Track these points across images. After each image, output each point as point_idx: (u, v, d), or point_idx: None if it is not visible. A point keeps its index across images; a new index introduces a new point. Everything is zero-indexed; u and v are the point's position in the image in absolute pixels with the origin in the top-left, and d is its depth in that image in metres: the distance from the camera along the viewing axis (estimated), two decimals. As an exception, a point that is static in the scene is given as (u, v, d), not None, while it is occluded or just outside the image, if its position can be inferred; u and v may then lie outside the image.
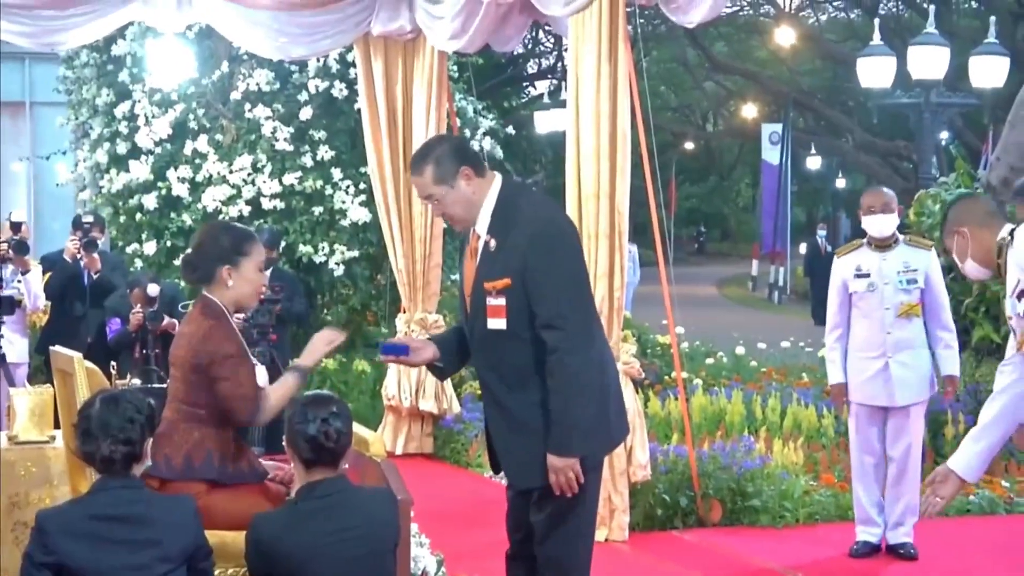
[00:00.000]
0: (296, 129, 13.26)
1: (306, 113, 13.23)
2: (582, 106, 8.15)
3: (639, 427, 8.08)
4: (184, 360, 5.21)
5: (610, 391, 5.19)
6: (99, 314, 10.59)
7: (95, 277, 10.95)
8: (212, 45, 13.25)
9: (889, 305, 7.68)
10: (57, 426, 6.41)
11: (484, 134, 14.67)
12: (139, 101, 13.43)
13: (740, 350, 14.30)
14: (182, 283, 10.48)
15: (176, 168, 13.29)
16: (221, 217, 12.71)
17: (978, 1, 34.39)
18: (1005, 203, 8.20)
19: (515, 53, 31.86)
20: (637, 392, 8.67)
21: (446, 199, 5.09)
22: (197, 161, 13.28)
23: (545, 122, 25.30)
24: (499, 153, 14.96)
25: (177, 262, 11.81)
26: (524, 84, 43.23)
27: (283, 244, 12.77)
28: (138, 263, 13.11)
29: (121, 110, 13.52)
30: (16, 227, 11.11)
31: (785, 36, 34.65)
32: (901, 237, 7.86)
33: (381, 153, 10.75)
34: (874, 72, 19.32)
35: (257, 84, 13.27)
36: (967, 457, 5.06)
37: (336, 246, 13.20)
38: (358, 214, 13.15)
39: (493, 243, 5.06)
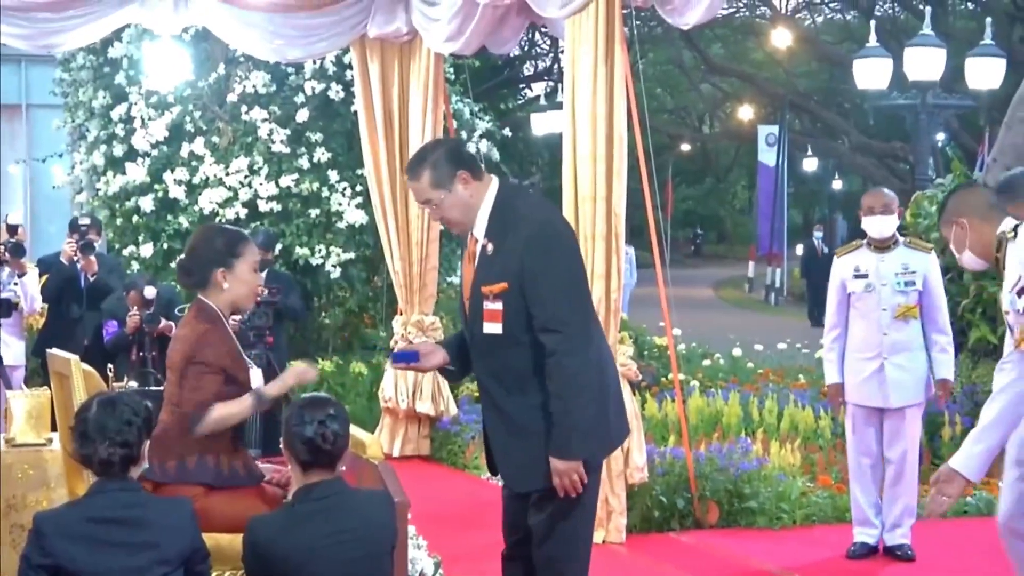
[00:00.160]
0: (292, 131, 13.26)
1: (302, 115, 13.23)
2: (579, 108, 8.15)
3: (636, 429, 8.08)
4: (178, 364, 5.22)
5: (609, 392, 5.18)
6: (96, 316, 10.59)
7: (92, 279, 10.95)
8: (208, 47, 13.25)
9: (886, 306, 7.68)
10: (54, 428, 6.41)
11: (481, 136, 14.68)
12: (135, 103, 13.43)
13: (737, 352, 14.30)
14: (178, 286, 10.49)
15: (173, 170, 13.29)
16: (218, 219, 12.71)
17: (974, 2, 34.43)
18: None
19: (511, 55, 31.86)
20: (634, 394, 8.67)
21: (443, 203, 5.08)
22: (194, 163, 13.28)
23: (541, 124, 25.29)
24: (495, 155, 14.97)
25: (174, 264, 11.80)
26: (520, 86, 43.22)
27: (280, 246, 12.77)
28: (135, 265, 13.10)
29: (117, 112, 13.52)
30: (13, 230, 11.12)
31: (781, 38, 34.65)
32: (901, 239, 7.86)
33: (378, 155, 10.75)
34: (870, 74, 19.35)
35: (253, 86, 13.27)
36: (969, 457, 5.05)
37: (333, 248, 13.20)
38: (355, 216, 13.15)
39: (490, 247, 5.05)
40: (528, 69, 41.68)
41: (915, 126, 20.09)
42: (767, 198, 36.69)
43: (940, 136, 26.66)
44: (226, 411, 5.19)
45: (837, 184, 50.66)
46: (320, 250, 13.15)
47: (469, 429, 10.58)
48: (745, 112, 44.39)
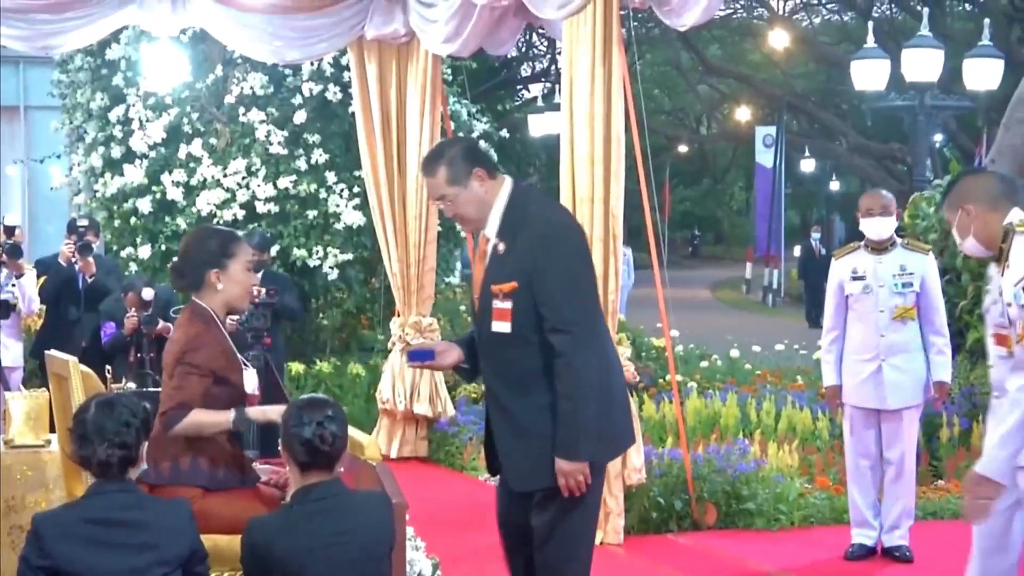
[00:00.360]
0: (290, 133, 13.26)
1: (300, 117, 13.22)
2: (576, 109, 8.16)
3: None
4: (171, 366, 5.23)
5: (615, 396, 5.20)
6: (94, 318, 10.58)
7: (90, 281, 10.95)
8: (206, 49, 13.24)
9: (884, 308, 7.68)
10: (52, 430, 6.41)
11: (478, 137, 14.68)
12: (133, 105, 13.42)
13: (734, 353, 14.29)
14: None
15: (170, 172, 13.27)
16: (216, 221, 12.70)
17: (972, 3, 34.45)
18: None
19: (509, 56, 31.85)
20: (632, 395, 8.67)
21: (458, 199, 5.12)
22: (191, 165, 13.28)
23: (539, 125, 25.33)
24: (493, 156, 14.96)
25: (171, 266, 11.78)
26: (518, 87, 43.23)
27: (277, 248, 12.77)
28: (133, 267, 13.09)
29: (115, 114, 13.51)
30: (10, 231, 11.11)
31: (778, 39, 34.67)
32: (899, 240, 7.85)
33: (375, 157, 10.75)
34: (868, 75, 19.36)
35: (251, 88, 13.27)
36: (996, 461, 4.99)
37: (330, 250, 13.19)
38: (352, 218, 13.15)
39: (502, 246, 5.08)
40: (526, 70, 41.71)
41: (913, 127, 20.12)
42: (765, 199, 36.69)
43: (938, 137, 26.72)
44: (204, 419, 5.19)
45: (835, 185, 50.67)
46: (318, 251, 13.15)
47: (467, 430, 10.59)
48: (742, 113, 44.42)
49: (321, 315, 14.40)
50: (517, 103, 42.39)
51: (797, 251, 31.07)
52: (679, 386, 10.07)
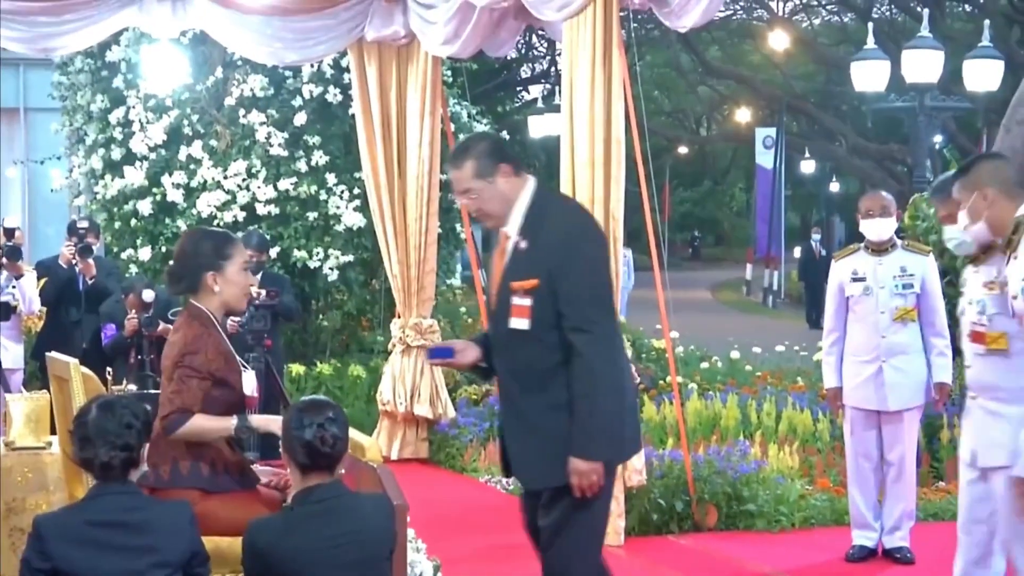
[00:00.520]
0: (290, 134, 13.25)
1: (300, 118, 13.22)
2: (576, 111, 8.16)
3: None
4: (170, 369, 5.23)
5: (627, 397, 5.22)
6: (94, 319, 10.58)
7: (90, 282, 10.95)
8: (206, 51, 13.23)
9: (884, 309, 7.67)
10: (53, 432, 6.41)
11: (479, 139, 14.64)
12: (134, 107, 13.41)
13: (735, 354, 14.28)
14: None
15: (171, 174, 13.27)
16: (216, 223, 12.69)
17: (972, 5, 34.45)
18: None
19: (509, 58, 31.88)
20: (632, 397, 8.66)
21: (483, 194, 5.13)
22: (192, 167, 13.27)
23: (539, 127, 25.33)
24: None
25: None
26: (518, 88, 43.26)
27: (278, 249, 12.77)
28: (133, 269, 13.08)
29: (116, 116, 13.51)
30: (10, 233, 11.11)
31: (778, 40, 34.68)
32: (899, 242, 7.85)
33: (375, 158, 10.76)
34: (868, 76, 19.35)
35: (251, 90, 13.26)
36: None
37: (331, 251, 13.19)
38: (352, 219, 13.14)
39: (524, 244, 5.09)
40: (525, 72, 41.76)
41: (913, 128, 20.11)
42: (765, 200, 36.70)
43: (938, 138, 26.72)
44: (206, 424, 5.20)
45: (835, 186, 50.67)
46: (318, 253, 13.14)
47: (467, 432, 10.59)
48: (742, 114, 44.44)
49: (321, 317, 14.40)
50: (517, 105, 42.43)
51: (797, 252, 31.07)
52: (679, 387, 10.07)
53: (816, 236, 29.41)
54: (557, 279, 4.97)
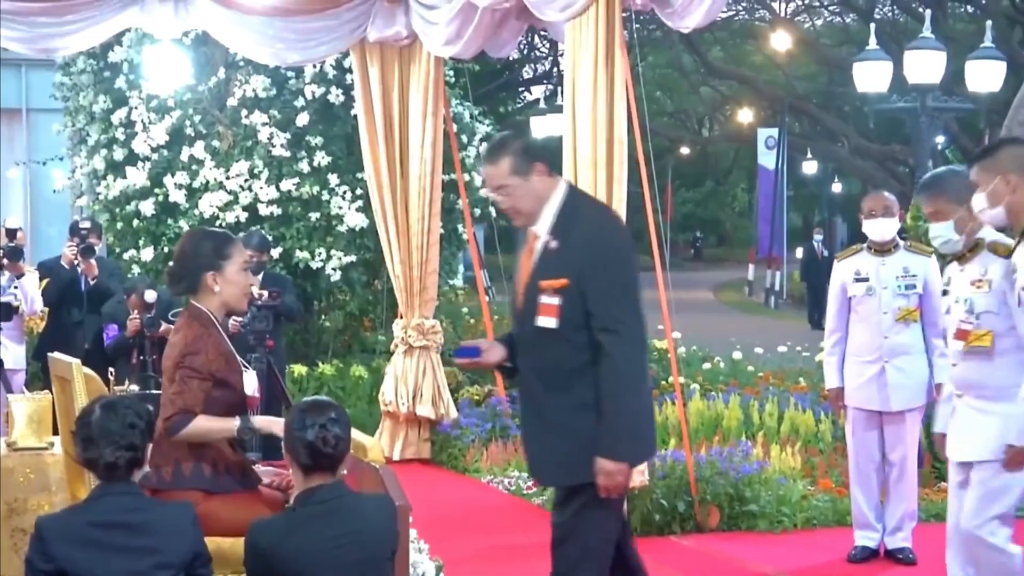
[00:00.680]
0: (293, 135, 13.25)
1: (303, 119, 13.21)
2: (579, 111, 8.16)
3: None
4: (170, 370, 5.24)
5: (647, 399, 5.28)
6: (96, 320, 10.59)
7: (92, 283, 10.96)
8: (209, 51, 13.24)
9: (887, 310, 7.67)
10: (56, 432, 6.41)
11: (481, 140, 14.67)
12: (136, 107, 13.41)
13: (737, 355, 14.28)
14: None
15: (173, 174, 13.27)
16: (218, 223, 12.69)
17: (974, 5, 34.43)
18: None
19: (511, 58, 31.90)
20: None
21: (517, 191, 5.16)
22: (194, 167, 13.27)
23: (541, 127, 25.30)
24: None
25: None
26: (520, 89, 43.28)
27: (280, 250, 12.78)
28: (135, 269, 13.09)
29: (118, 116, 13.52)
30: (12, 233, 11.12)
31: (781, 41, 34.65)
32: (901, 242, 7.84)
33: (378, 159, 10.76)
34: (870, 77, 19.32)
35: (254, 90, 13.26)
36: None
37: (333, 252, 13.19)
38: (355, 220, 13.14)
39: (554, 243, 5.13)
40: (527, 72, 41.76)
41: (915, 129, 20.10)
42: (767, 201, 36.68)
43: (940, 139, 26.66)
44: (209, 426, 5.20)
45: (837, 187, 50.65)
46: (320, 253, 13.14)
47: (469, 432, 10.59)
48: (745, 115, 44.41)
49: (324, 317, 14.40)
50: (519, 105, 42.46)
51: (799, 253, 31.02)
52: (682, 388, 10.06)
53: (818, 237, 29.38)
54: (587, 279, 5.01)
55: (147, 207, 13.28)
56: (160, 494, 5.04)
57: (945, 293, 6.05)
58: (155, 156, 13.38)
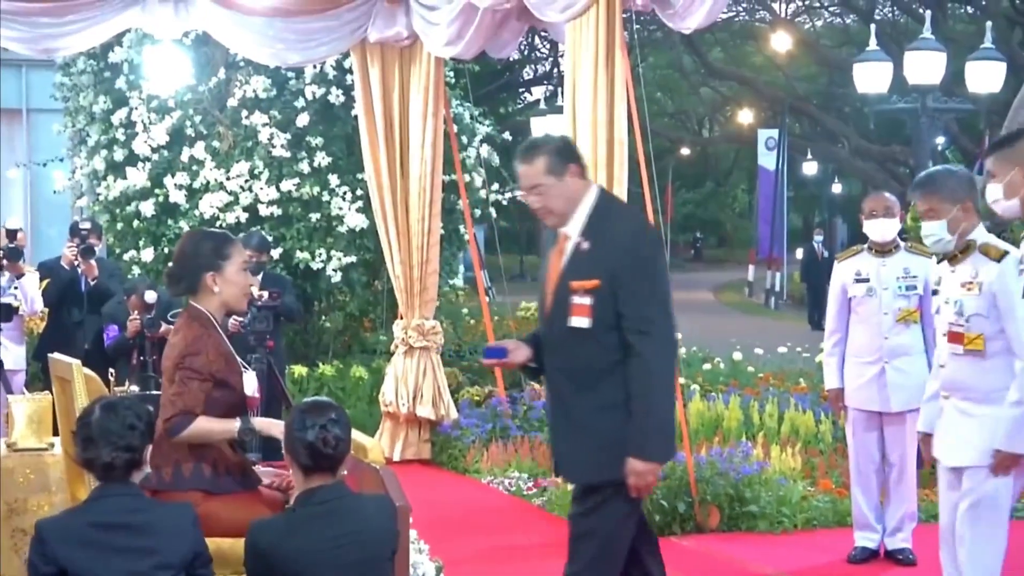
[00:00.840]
0: (293, 135, 13.25)
1: (303, 119, 13.21)
2: (579, 112, 8.16)
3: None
4: (170, 371, 5.23)
5: (673, 400, 5.31)
6: (96, 321, 10.58)
7: (92, 284, 10.95)
8: (209, 52, 13.24)
9: (887, 311, 7.66)
10: (56, 433, 6.41)
11: (481, 141, 14.66)
12: (136, 108, 13.41)
13: (737, 356, 14.28)
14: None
15: (173, 175, 13.27)
16: (218, 224, 12.69)
17: (974, 6, 34.44)
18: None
19: (511, 59, 31.88)
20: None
21: (551, 191, 5.21)
22: (194, 168, 13.27)
23: (542, 128, 25.26)
24: (496, 160, 14.94)
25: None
26: (520, 90, 43.27)
27: (280, 251, 12.77)
28: (135, 270, 13.09)
29: (118, 117, 13.51)
30: (12, 234, 11.11)
31: (781, 42, 34.66)
32: (902, 243, 7.84)
33: (378, 159, 10.76)
34: (870, 77, 19.32)
35: (254, 91, 13.26)
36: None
37: (333, 252, 13.18)
38: (355, 220, 13.13)
39: (586, 244, 5.17)
40: (528, 73, 41.75)
41: (915, 130, 20.10)
42: (767, 202, 36.67)
43: (940, 140, 26.65)
44: (210, 427, 5.20)
45: (837, 188, 50.67)
46: (320, 254, 13.14)
47: (469, 433, 10.59)
48: (745, 116, 44.41)
49: (324, 318, 14.40)
50: (520, 106, 42.46)
51: (799, 254, 31.03)
52: (682, 389, 10.06)
53: (818, 237, 29.39)
54: (619, 281, 5.05)
55: (147, 208, 13.27)
56: (160, 495, 5.04)
57: (935, 293, 6.05)
58: (155, 157, 13.38)
